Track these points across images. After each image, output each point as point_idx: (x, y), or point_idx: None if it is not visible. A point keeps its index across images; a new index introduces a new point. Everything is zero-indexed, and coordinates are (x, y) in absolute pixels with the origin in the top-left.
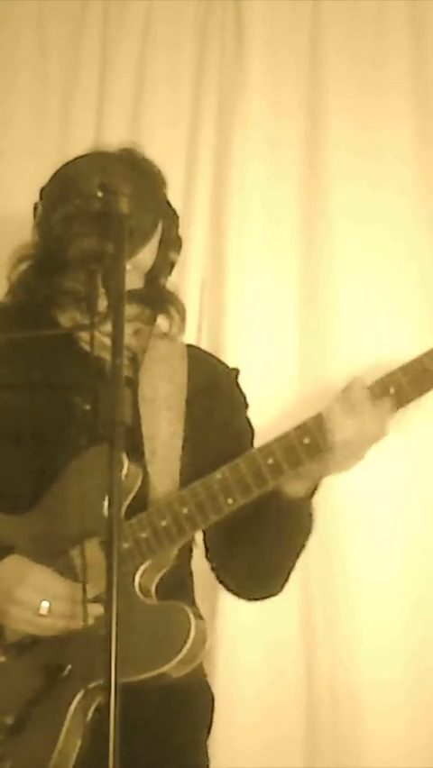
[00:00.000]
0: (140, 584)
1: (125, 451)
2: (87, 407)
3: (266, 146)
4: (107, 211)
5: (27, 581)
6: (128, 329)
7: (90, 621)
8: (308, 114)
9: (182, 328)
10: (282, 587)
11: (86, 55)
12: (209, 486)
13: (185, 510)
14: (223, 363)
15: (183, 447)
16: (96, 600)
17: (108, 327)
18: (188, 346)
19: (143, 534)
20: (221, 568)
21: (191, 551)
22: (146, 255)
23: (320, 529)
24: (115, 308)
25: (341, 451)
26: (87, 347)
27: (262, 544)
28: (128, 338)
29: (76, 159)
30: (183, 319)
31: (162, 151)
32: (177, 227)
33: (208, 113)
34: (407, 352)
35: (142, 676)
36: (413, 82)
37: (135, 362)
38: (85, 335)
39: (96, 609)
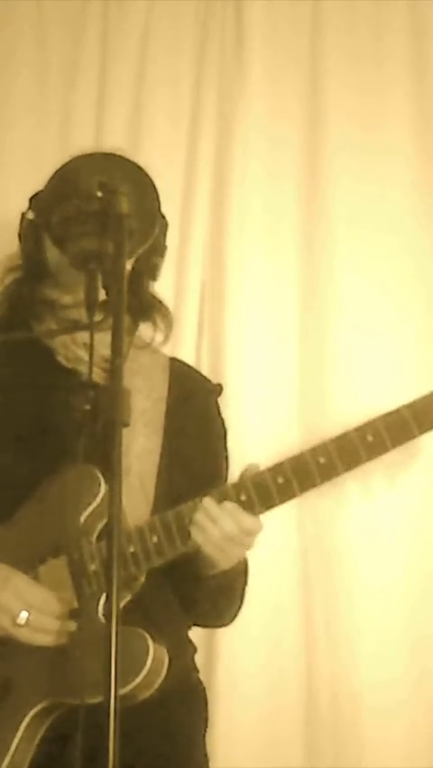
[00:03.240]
0: (104, 609)
1: (100, 471)
2: (87, 407)
3: (266, 146)
4: (107, 211)
5: (8, 587)
6: (105, 339)
7: (63, 639)
8: (308, 115)
9: (167, 336)
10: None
11: (86, 55)
12: (181, 517)
13: (154, 539)
14: (206, 380)
15: (160, 463)
16: (71, 616)
17: (85, 338)
18: (171, 359)
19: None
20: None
21: None
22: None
23: (320, 530)
24: (115, 309)
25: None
26: (63, 361)
27: (206, 610)
28: (105, 349)
29: (74, 159)
30: (168, 326)
31: (162, 151)
32: (164, 232)
33: (208, 113)
34: (407, 352)
35: (100, 699)
36: (413, 82)
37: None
38: (61, 348)
39: (70, 626)
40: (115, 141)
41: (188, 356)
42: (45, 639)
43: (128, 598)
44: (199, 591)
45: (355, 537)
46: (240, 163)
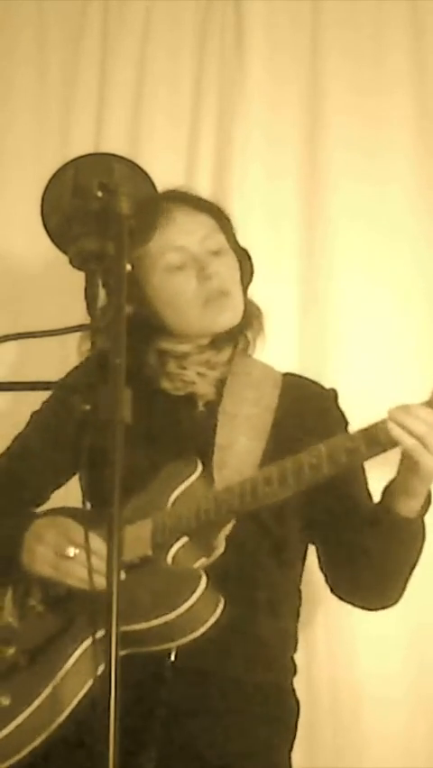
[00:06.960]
0: (174, 558)
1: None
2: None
3: (266, 146)
4: (107, 211)
5: (56, 526)
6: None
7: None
8: (308, 114)
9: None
10: (397, 599)
11: (86, 55)
12: (254, 478)
13: (227, 496)
14: (320, 386)
15: (261, 464)
16: (140, 563)
17: (191, 363)
18: (285, 375)
19: (185, 514)
20: (333, 580)
21: (302, 569)
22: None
23: None
24: (115, 308)
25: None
26: (171, 390)
27: (373, 559)
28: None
29: (74, 159)
30: (261, 330)
31: (162, 151)
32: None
33: (208, 113)
34: (407, 352)
35: (144, 625)
36: (413, 81)
37: (221, 381)
38: (167, 381)
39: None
40: (115, 141)
41: None
42: (88, 578)
43: (205, 558)
44: (371, 537)
45: None
46: (240, 163)
